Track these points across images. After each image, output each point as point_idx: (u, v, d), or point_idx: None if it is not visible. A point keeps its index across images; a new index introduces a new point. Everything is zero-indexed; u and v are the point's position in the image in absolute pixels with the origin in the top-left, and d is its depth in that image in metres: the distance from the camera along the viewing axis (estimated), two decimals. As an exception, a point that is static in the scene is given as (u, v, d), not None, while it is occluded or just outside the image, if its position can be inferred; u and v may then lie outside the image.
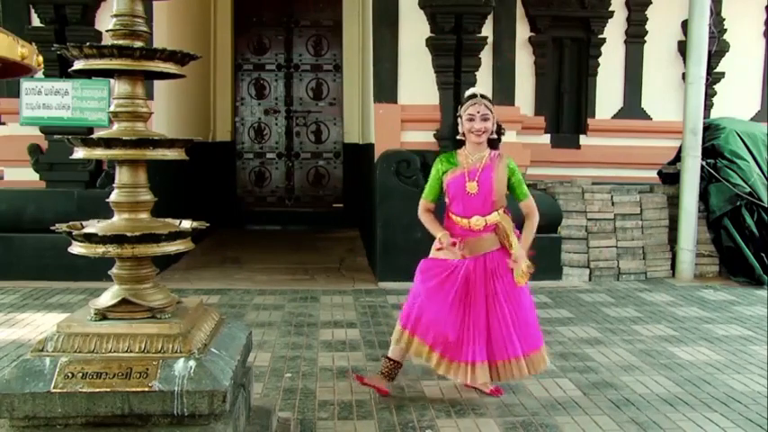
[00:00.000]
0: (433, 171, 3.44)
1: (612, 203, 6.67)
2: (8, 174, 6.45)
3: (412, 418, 3.26)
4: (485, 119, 3.30)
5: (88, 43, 2.25)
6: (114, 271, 2.36)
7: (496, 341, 3.31)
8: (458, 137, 3.41)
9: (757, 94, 8.22)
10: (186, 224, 2.43)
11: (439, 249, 3.29)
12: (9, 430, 2.15)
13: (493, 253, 3.36)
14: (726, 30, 7.80)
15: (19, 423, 2.14)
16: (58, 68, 5.95)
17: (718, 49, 7.63)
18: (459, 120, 3.38)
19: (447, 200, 3.42)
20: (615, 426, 3.23)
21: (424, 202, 3.50)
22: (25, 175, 6.21)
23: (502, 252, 3.37)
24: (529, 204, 3.46)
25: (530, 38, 7.59)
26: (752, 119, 7.95)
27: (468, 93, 3.42)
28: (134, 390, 2.11)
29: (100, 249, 2.24)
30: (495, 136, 3.41)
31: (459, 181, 3.34)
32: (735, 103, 7.88)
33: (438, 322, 3.27)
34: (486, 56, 6.37)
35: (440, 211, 3.53)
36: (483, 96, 3.34)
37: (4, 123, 6.48)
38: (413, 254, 3.73)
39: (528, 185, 6.76)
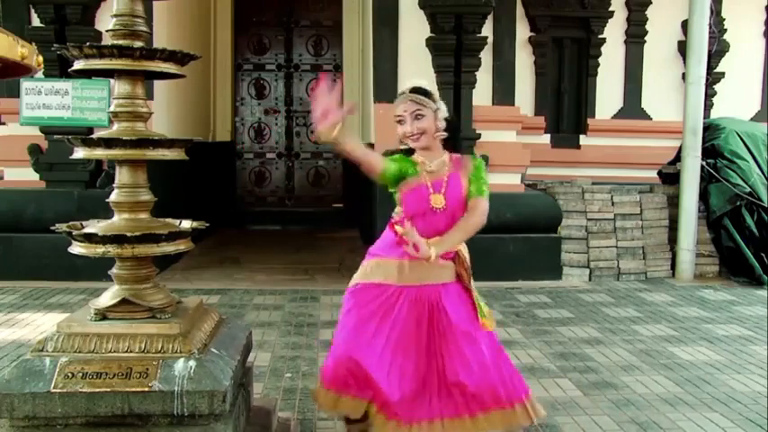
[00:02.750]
0: (393, 163, 2.56)
1: (612, 203, 6.67)
2: (8, 174, 6.44)
3: (412, 418, 3.25)
4: (417, 116, 2.51)
5: (88, 43, 2.25)
6: (114, 271, 2.36)
7: (448, 395, 2.49)
8: (401, 146, 2.62)
9: (757, 94, 8.24)
10: (186, 224, 2.43)
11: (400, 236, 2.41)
12: (9, 430, 2.15)
13: (445, 286, 2.56)
14: (726, 30, 7.81)
15: (19, 423, 2.14)
16: (59, 68, 5.94)
17: (718, 49, 7.64)
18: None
19: (396, 215, 2.60)
20: (615, 426, 3.23)
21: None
22: (25, 175, 6.21)
23: (457, 286, 2.59)
24: (480, 202, 2.55)
25: (530, 38, 7.59)
26: (752, 119, 7.96)
27: (399, 90, 2.63)
28: (134, 390, 2.10)
29: (100, 249, 2.24)
30: (443, 134, 2.58)
31: (421, 194, 2.52)
32: (735, 103, 7.89)
33: (366, 361, 2.45)
34: (486, 56, 6.37)
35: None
36: (414, 90, 2.55)
37: (4, 123, 6.47)
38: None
39: (528, 185, 6.84)
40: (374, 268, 2.60)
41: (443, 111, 2.60)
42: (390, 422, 2.46)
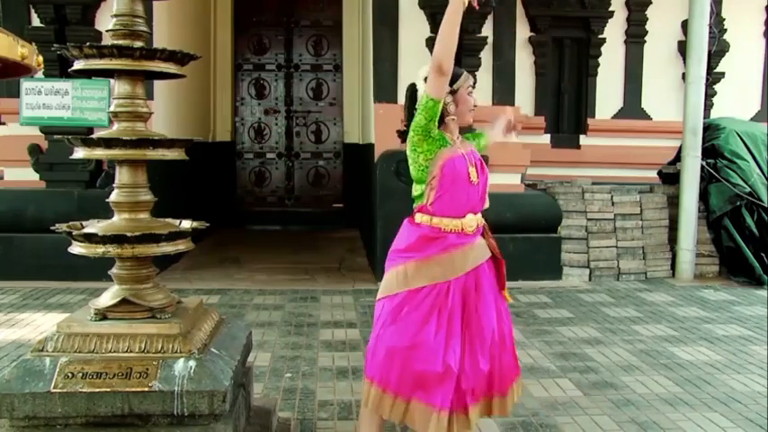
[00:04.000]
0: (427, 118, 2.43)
1: (612, 203, 6.67)
2: (8, 174, 6.44)
3: (412, 418, 3.25)
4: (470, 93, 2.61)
5: (88, 43, 2.24)
6: (114, 271, 2.36)
7: (497, 371, 2.53)
8: (447, 118, 2.53)
9: (757, 94, 8.24)
10: (186, 224, 2.43)
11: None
12: (9, 430, 2.15)
13: (485, 263, 2.56)
14: (726, 30, 7.81)
15: (19, 423, 2.14)
16: (59, 68, 5.95)
17: (718, 49, 7.64)
18: (450, 97, 2.51)
19: (431, 195, 2.48)
20: (615, 426, 3.23)
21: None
22: (25, 175, 6.20)
23: (490, 261, 2.60)
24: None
25: (530, 38, 7.59)
26: (752, 119, 7.96)
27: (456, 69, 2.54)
28: (134, 390, 2.10)
29: (100, 249, 2.24)
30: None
31: (461, 164, 2.47)
32: (735, 103, 7.89)
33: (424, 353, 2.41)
34: (486, 56, 6.37)
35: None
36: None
37: (4, 123, 6.47)
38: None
39: (528, 185, 6.84)
40: (415, 273, 2.46)
41: None
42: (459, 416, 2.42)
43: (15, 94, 5.99)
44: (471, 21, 6.09)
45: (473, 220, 2.52)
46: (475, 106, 2.59)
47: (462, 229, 2.49)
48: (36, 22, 6.17)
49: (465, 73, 2.58)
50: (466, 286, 2.49)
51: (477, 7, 2.53)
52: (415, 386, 2.39)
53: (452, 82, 2.50)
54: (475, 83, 2.72)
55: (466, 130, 2.74)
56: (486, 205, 2.61)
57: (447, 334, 2.41)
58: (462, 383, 2.42)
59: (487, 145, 2.81)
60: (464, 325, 2.47)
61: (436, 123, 2.45)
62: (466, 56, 6.17)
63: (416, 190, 2.55)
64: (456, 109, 2.54)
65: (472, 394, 2.45)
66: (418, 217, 2.53)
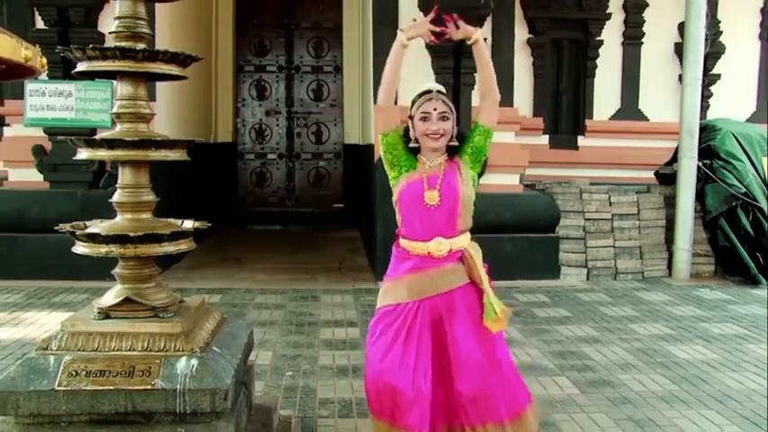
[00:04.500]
0: (394, 138, 2.57)
1: (610, 204, 6.67)
2: (13, 174, 6.45)
3: (411, 416, 3.25)
4: (443, 118, 2.49)
5: (91, 45, 2.24)
6: (117, 270, 2.36)
7: (487, 397, 2.45)
8: (410, 144, 2.55)
9: (752, 95, 8.25)
10: (188, 224, 2.43)
11: (409, 39, 2.56)
12: (14, 427, 2.15)
13: (461, 289, 2.49)
14: (721, 32, 7.81)
15: (24, 420, 2.14)
16: (62, 70, 5.95)
17: (713, 51, 7.64)
18: (410, 122, 2.54)
19: (399, 219, 2.57)
20: (612, 423, 3.24)
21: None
22: (29, 176, 6.20)
23: (470, 288, 2.50)
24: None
25: (528, 39, 7.59)
26: (747, 120, 7.96)
27: (422, 88, 2.57)
28: (137, 388, 2.11)
29: (103, 249, 2.24)
30: (455, 142, 2.55)
31: (416, 188, 2.49)
32: (730, 105, 7.89)
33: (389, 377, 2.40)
34: (484, 57, 6.36)
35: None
36: (440, 92, 2.55)
37: (8, 125, 6.48)
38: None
39: (527, 186, 6.84)
40: (387, 292, 2.55)
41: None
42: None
43: (19, 95, 5.99)
44: (470, 23, 6.06)
45: (444, 245, 2.47)
46: (433, 132, 2.48)
47: (429, 253, 2.48)
48: (40, 24, 6.17)
49: (423, 98, 2.52)
50: (437, 310, 2.47)
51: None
52: (393, 408, 2.40)
53: (411, 107, 2.55)
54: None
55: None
56: (464, 226, 2.52)
57: (417, 354, 2.41)
58: (439, 405, 2.44)
59: (484, 130, 2.56)
60: (436, 349, 2.45)
61: (398, 152, 2.55)
62: (465, 57, 6.17)
63: None
64: (414, 134, 2.55)
65: (451, 415, 2.46)
66: (399, 239, 2.59)
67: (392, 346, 2.42)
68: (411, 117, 2.54)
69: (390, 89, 2.56)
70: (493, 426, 2.44)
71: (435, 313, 2.46)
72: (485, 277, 2.49)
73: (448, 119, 2.50)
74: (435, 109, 2.49)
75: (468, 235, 2.55)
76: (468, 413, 2.44)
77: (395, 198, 2.56)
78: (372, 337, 2.52)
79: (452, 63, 6.18)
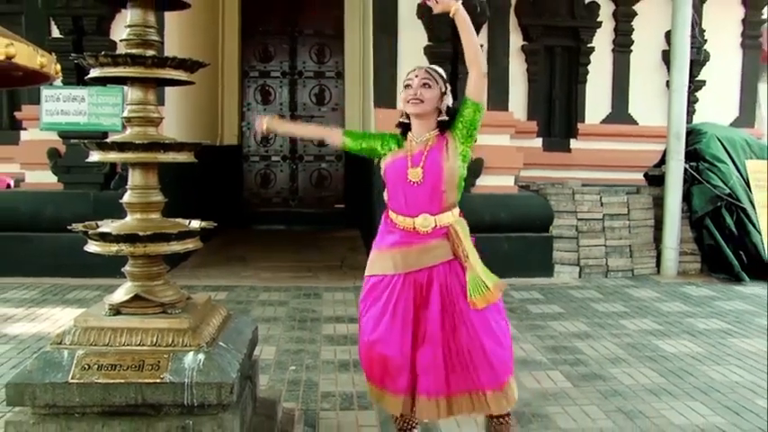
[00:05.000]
0: (378, 133, 2.66)
1: (601, 204, 6.67)
2: (29, 176, 6.45)
3: (410, 408, 3.25)
4: (424, 85, 2.46)
5: (103, 52, 2.25)
6: (127, 268, 2.36)
7: (452, 371, 2.43)
8: (400, 119, 2.58)
9: (735, 100, 8.30)
10: (195, 224, 2.43)
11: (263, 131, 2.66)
12: (31, 418, 2.15)
13: (443, 265, 2.46)
14: (707, 40, 7.82)
15: (40, 411, 2.15)
16: (76, 76, 5.95)
17: (699, 58, 7.65)
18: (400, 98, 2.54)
19: (386, 193, 2.57)
20: (603, 415, 3.24)
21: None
22: (44, 178, 6.21)
23: (454, 264, 2.47)
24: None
25: (522, 46, 7.60)
26: (731, 124, 7.99)
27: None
28: (146, 381, 2.11)
29: (114, 248, 2.25)
30: (445, 117, 2.50)
31: (400, 165, 2.47)
32: (715, 110, 7.92)
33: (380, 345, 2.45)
34: (480, 64, 6.35)
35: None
36: (430, 67, 2.59)
37: (25, 129, 6.48)
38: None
39: (521, 187, 6.84)
40: (374, 261, 2.58)
41: (449, 100, 2.54)
42: (420, 397, 2.43)
43: (36, 101, 6.00)
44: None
45: (429, 221, 2.45)
46: (415, 97, 2.45)
47: (414, 228, 2.47)
48: (56, 33, 6.18)
49: (410, 72, 2.54)
50: (419, 282, 2.45)
51: (425, 5, 2.62)
52: (383, 374, 2.47)
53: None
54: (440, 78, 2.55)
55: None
56: (450, 202, 2.48)
57: (402, 325, 2.44)
58: (418, 372, 2.44)
59: (472, 104, 2.49)
60: (415, 320, 2.46)
61: (387, 137, 2.59)
62: (462, 63, 6.17)
63: None
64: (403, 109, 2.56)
65: (432, 383, 2.42)
66: (389, 210, 2.58)
67: (381, 318, 2.46)
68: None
69: (325, 134, 2.85)
70: (461, 395, 2.43)
71: (417, 285, 2.46)
72: (472, 251, 2.45)
73: (429, 86, 2.47)
74: (417, 76, 2.49)
75: (455, 211, 2.51)
76: (464, 381, 2.44)
77: (382, 174, 2.56)
78: (363, 309, 2.55)
79: (450, 68, 6.18)
